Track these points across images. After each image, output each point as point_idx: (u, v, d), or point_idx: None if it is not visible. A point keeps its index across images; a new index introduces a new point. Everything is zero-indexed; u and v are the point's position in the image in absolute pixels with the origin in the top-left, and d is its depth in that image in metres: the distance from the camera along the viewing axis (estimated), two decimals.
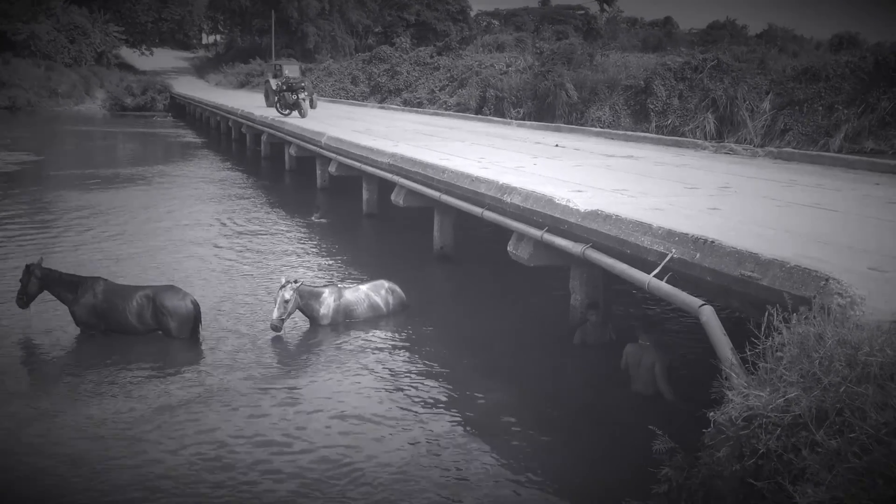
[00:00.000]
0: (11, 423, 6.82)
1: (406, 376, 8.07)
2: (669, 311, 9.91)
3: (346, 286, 10.16)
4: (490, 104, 25.47)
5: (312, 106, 29.90)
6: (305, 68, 53.01)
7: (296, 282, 9.27)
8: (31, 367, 8.42)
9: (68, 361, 8.52)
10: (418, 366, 8.38)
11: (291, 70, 34.68)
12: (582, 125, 20.47)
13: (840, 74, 15.56)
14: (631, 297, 10.59)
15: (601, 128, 19.68)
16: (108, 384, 7.68)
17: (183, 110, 53.31)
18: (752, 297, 5.58)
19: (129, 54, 75.92)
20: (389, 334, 9.40)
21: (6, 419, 6.90)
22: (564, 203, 8.37)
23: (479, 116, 25.52)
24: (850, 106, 14.80)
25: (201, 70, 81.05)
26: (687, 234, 6.50)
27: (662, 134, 17.92)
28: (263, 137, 27.02)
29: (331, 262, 13.06)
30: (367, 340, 9.14)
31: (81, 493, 5.74)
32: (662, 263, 6.49)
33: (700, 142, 16.27)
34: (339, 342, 9.12)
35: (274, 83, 30.55)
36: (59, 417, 6.94)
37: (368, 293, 9.95)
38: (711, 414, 4.41)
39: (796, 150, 14.27)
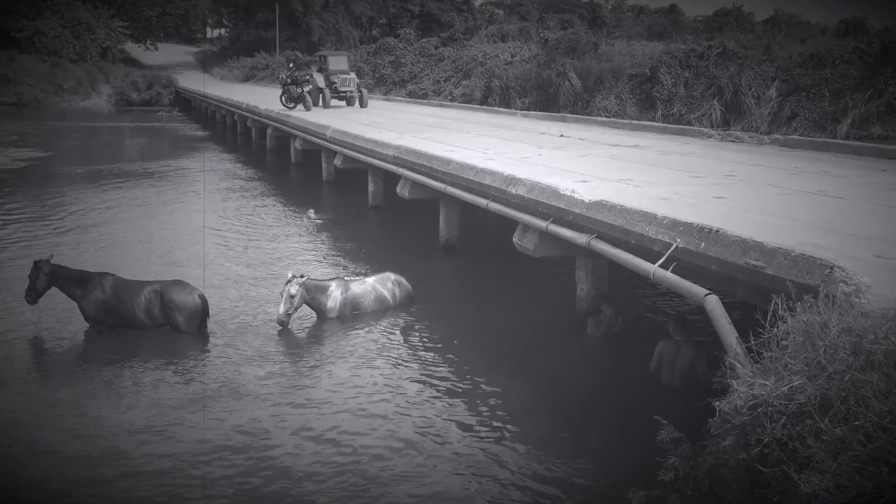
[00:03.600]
0: (21, 419, 6.88)
1: (413, 368, 8.10)
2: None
3: (353, 279, 10.19)
4: (495, 94, 25.42)
5: (363, 104, 27.10)
6: (309, 60, 52.66)
7: (302, 276, 9.30)
8: (41, 362, 8.47)
9: (77, 357, 8.58)
10: (425, 357, 8.41)
11: (338, 63, 28.77)
12: (587, 114, 20.41)
13: (847, 60, 15.47)
14: (641, 287, 10.59)
15: (606, 117, 19.63)
16: (117, 379, 7.74)
17: (188, 104, 53.33)
18: (757, 286, 5.58)
19: (133, 49, 75.98)
20: (396, 327, 9.43)
21: (15, 414, 6.96)
22: (569, 193, 8.36)
23: (484, 107, 25.49)
24: (857, 91, 14.73)
25: (206, 64, 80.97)
26: (692, 223, 6.49)
27: (668, 122, 17.87)
28: (269, 131, 27.02)
29: (337, 255, 13.09)
30: (373, 333, 9.18)
31: (88, 487, 5.79)
32: (667, 253, 6.48)
33: (706, 130, 16.22)
34: (346, 335, 9.16)
35: (319, 78, 27.60)
36: (67, 412, 6.99)
37: (375, 286, 9.98)
38: (717, 403, 4.42)
39: (802, 138, 14.21)
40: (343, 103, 27.93)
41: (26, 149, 29.16)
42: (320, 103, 26.73)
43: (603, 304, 8.93)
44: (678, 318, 7.92)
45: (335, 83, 27.51)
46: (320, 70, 28.41)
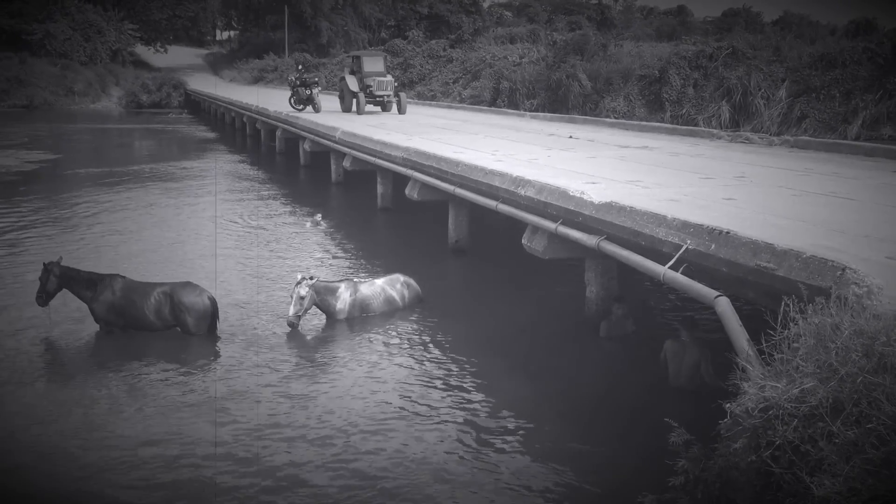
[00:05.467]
0: (30, 420, 6.90)
1: (422, 369, 8.10)
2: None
3: (362, 280, 10.20)
4: (504, 96, 25.40)
5: (401, 110, 24.24)
6: (318, 62, 52.76)
7: (311, 278, 9.31)
8: (51, 364, 8.50)
9: (87, 358, 8.61)
10: (434, 359, 8.41)
11: (374, 64, 25.41)
12: (596, 116, 20.38)
13: (857, 60, 15.38)
14: (652, 289, 10.57)
15: (615, 118, 19.59)
16: (127, 381, 7.76)
17: (198, 106, 53.52)
18: (767, 288, 5.55)
19: (143, 52, 76.35)
20: (405, 328, 9.43)
21: (25, 416, 6.99)
22: (578, 195, 8.34)
23: (493, 108, 25.48)
24: (867, 92, 14.64)
25: (215, 66, 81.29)
26: (702, 224, 6.46)
27: (677, 123, 17.82)
28: (278, 133, 27.10)
29: (346, 257, 13.10)
30: (383, 335, 9.18)
31: (97, 488, 5.81)
32: (677, 255, 6.46)
33: (715, 131, 16.17)
34: (355, 337, 9.17)
35: (352, 80, 25.04)
36: (78, 415, 7.02)
37: (384, 287, 9.98)
38: (728, 405, 4.40)
39: (812, 139, 14.15)
40: (378, 108, 25.23)
41: (37, 151, 29.31)
42: (353, 108, 24.47)
43: (614, 303, 8.92)
44: (688, 319, 7.91)
45: (370, 87, 24.62)
46: (353, 72, 25.58)
